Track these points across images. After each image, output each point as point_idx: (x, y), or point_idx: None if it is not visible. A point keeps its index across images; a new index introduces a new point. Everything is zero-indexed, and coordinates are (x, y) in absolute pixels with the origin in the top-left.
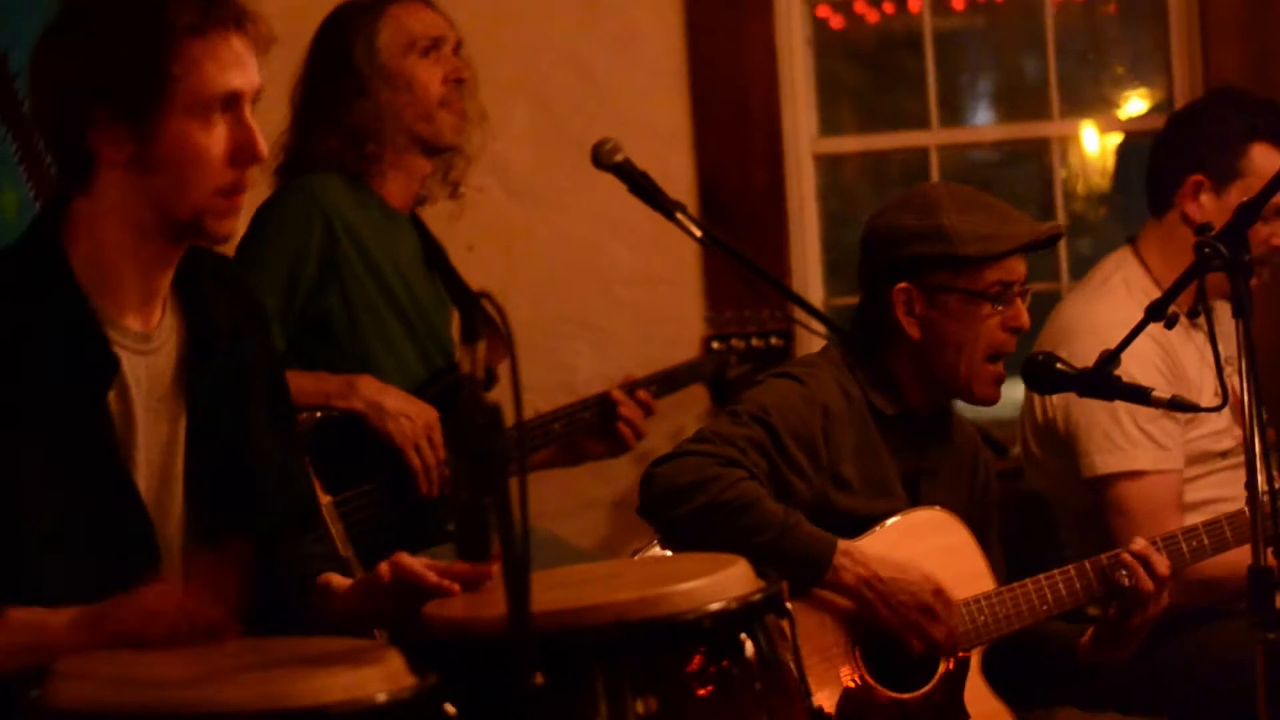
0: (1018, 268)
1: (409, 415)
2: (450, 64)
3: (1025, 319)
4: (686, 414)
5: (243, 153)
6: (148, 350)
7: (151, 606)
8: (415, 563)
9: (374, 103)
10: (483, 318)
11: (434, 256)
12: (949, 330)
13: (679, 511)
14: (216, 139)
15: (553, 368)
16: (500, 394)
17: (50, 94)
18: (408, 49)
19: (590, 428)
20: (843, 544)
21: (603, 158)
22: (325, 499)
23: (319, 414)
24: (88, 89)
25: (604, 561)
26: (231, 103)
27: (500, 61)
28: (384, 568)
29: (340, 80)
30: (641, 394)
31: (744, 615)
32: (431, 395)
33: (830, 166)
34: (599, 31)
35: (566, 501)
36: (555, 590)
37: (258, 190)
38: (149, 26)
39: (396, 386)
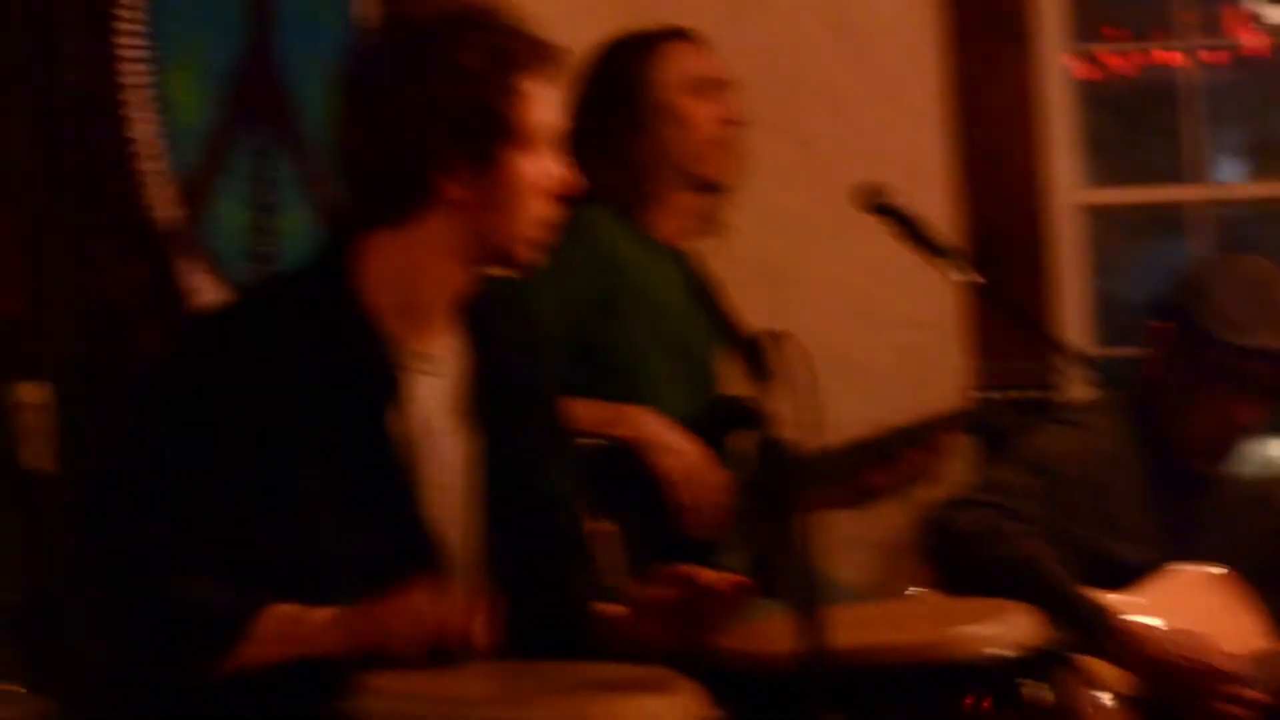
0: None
1: (681, 451)
2: (723, 105)
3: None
4: (951, 460)
5: (561, 186)
6: (434, 372)
7: (411, 612)
8: (687, 567)
9: (651, 139)
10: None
11: (700, 291)
12: (1199, 397)
13: (962, 562)
14: (542, 174)
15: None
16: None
17: (395, 134)
18: (685, 87)
19: (886, 459)
20: (1118, 620)
21: (870, 200)
22: (612, 527)
23: (594, 441)
24: (441, 131)
25: (888, 601)
26: (551, 139)
27: (761, 101)
28: (664, 587)
29: (618, 114)
30: (934, 436)
31: (1030, 663)
32: (701, 429)
33: (1088, 216)
34: (859, 74)
35: (833, 540)
36: (843, 628)
37: None
38: (500, 66)
39: (667, 418)
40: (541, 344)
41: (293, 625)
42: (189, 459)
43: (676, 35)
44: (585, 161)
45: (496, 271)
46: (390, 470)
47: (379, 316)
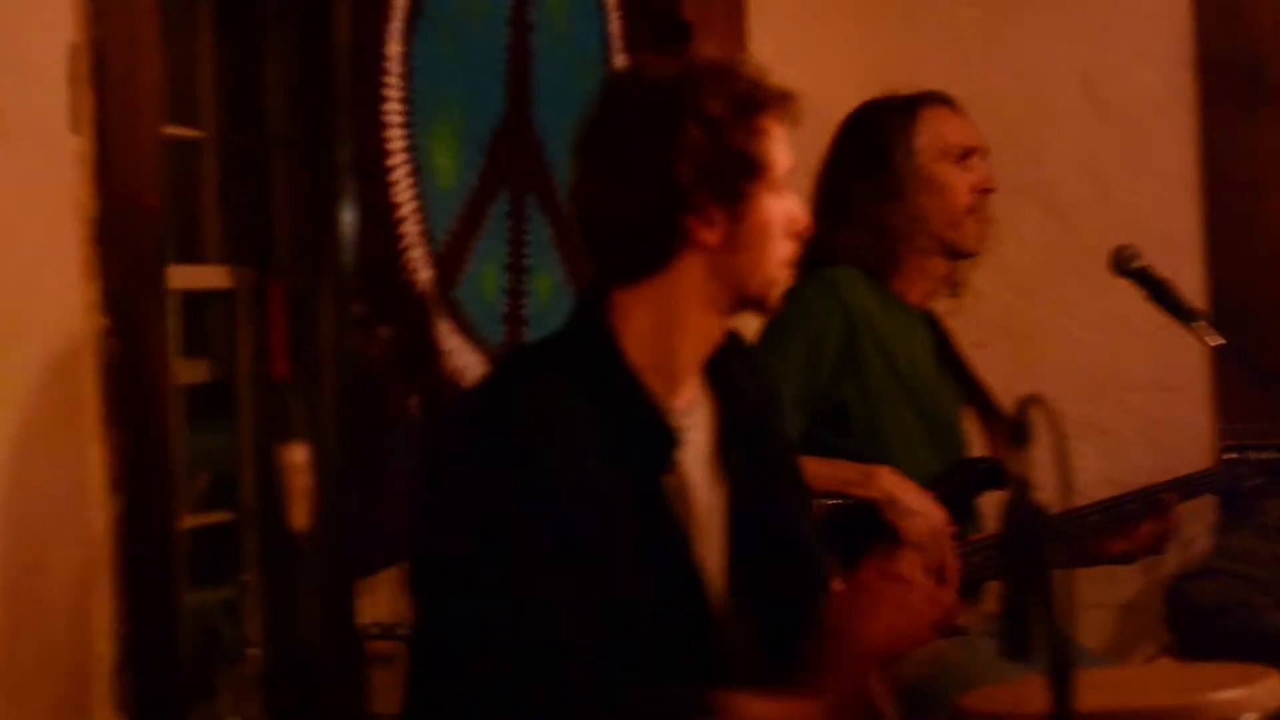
0: None
1: (923, 513)
2: (980, 173)
3: None
4: (1195, 524)
5: (797, 225)
6: (691, 425)
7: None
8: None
9: (907, 205)
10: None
11: (947, 353)
12: None
13: (1206, 633)
14: (786, 212)
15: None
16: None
17: (646, 183)
18: (943, 155)
19: (1129, 521)
20: None
21: (1123, 264)
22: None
23: (835, 501)
24: (694, 176)
25: (1132, 666)
26: (789, 178)
27: (1011, 165)
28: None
29: (874, 179)
30: (1175, 499)
31: None
32: (945, 491)
33: None
34: (1110, 138)
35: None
36: (1091, 691)
37: None
38: (746, 106)
39: (910, 479)
40: (775, 399)
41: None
42: (510, 544)
43: (935, 100)
44: (836, 222)
45: (750, 314)
46: (671, 529)
47: (642, 375)
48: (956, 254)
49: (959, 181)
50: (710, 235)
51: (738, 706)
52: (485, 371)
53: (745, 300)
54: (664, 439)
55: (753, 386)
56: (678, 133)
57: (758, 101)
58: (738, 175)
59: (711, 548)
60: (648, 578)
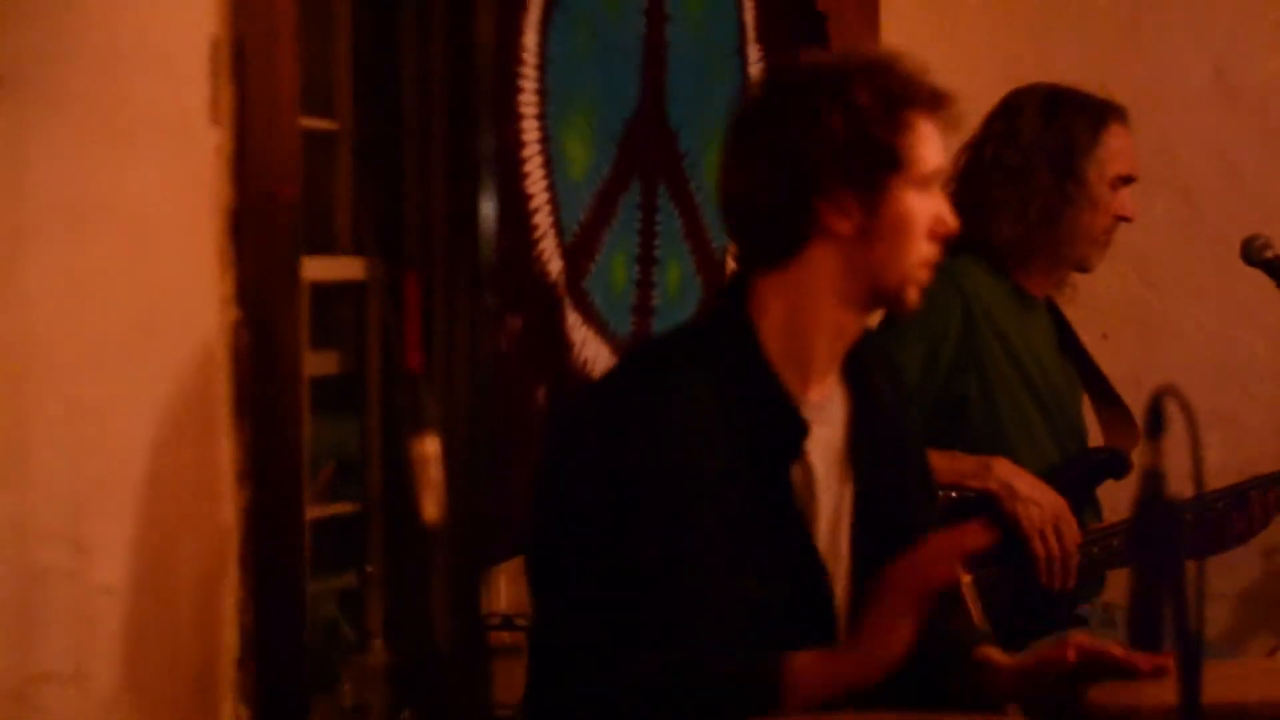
0: None
1: (1039, 503)
2: (1128, 203)
3: None
4: None
5: (942, 226)
6: (823, 420)
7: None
8: (1101, 642)
9: (1073, 216)
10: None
11: (1068, 342)
12: None
13: None
14: (927, 211)
15: (1183, 458)
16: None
17: (784, 166)
18: (1115, 178)
19: (1249, 504)
20: None
21: (1254, 253)
22: (966, 577)
23: (954, 494)
24: (829, 160)
25: (1258, 658)
26: (936, 178)
27: (1142, 154)
28: (1070, 651)
29: (1056, 179)
30: None
31: None
32: (1065, 481)
33: None
34: (1242, 125)
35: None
36: (1217, 683)
37: None
38: (894, 100)
39: (1030, 470)
40: (906, 390)
41: (819, 676)
42: (637, 534)
43: (1119, 115)
44: (993, 210)
45: (888, 311)
46: (793, 523)
47: (776, 366)
48: (1079, 269)
49: (1114, 205)
50: (843, 224)
51: (799, 671)
52: (616, 361)
53: (881, 297)
54: (793, 428)
55: (889, 385)
56: (820, 118)
57: (907, 97)
58: (875, 165)
59: (838, 543)
60: (769, 567)
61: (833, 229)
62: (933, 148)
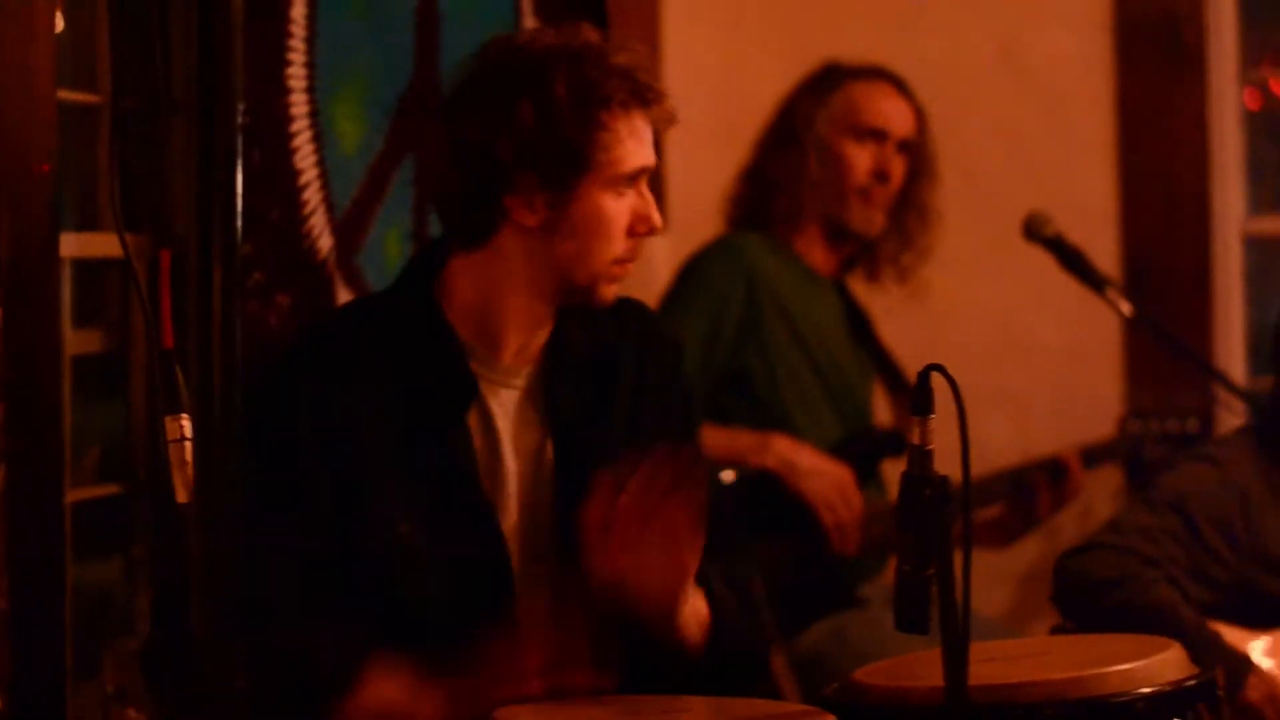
0: None
1: (822, 473)
2: (882, 158)
3: None
4: (1097, 493)
5: (642, 224)
6: (506, 384)
7: (508, 672)
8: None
9: (811, 171)
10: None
11: (859, 324)
12: None
13: (1093, 608)
14: (623, 210)
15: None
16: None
17: (474, 154)
18: (846, 128)
19: (1030, 491)
20: (1257, 664)
21: (1035, 230)
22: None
23: (734, 472)
24: (515, 155)
25: (1030, 638)
26: (637, 177)
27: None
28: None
29: (785, 142)
30: (1077, 468)
31: (1177, 700)
32: (845, 457)
33: (1255, 248)
34: (1029, 102)
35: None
36: (987, 664)
37: None
38: (585, 99)
39: (806, 442)
40: (665, 354)
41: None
42: (287, 483)
43: (871, 75)
44: (757, 187)
45: (577, 305)
46: (465, 480)
47: (462, 335)
48: (840, 233)
49: (855, 159)
50: (528, 216)
51: (379, 680)
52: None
53: (571, 291)
54: (464, 384)
55: (635, 357)
56: (512, 111)
57: (605, 93)
58: (563, 165)
59: (535, 493)
60: (434, 515)
61: (520, 221)
62: (631, 146)
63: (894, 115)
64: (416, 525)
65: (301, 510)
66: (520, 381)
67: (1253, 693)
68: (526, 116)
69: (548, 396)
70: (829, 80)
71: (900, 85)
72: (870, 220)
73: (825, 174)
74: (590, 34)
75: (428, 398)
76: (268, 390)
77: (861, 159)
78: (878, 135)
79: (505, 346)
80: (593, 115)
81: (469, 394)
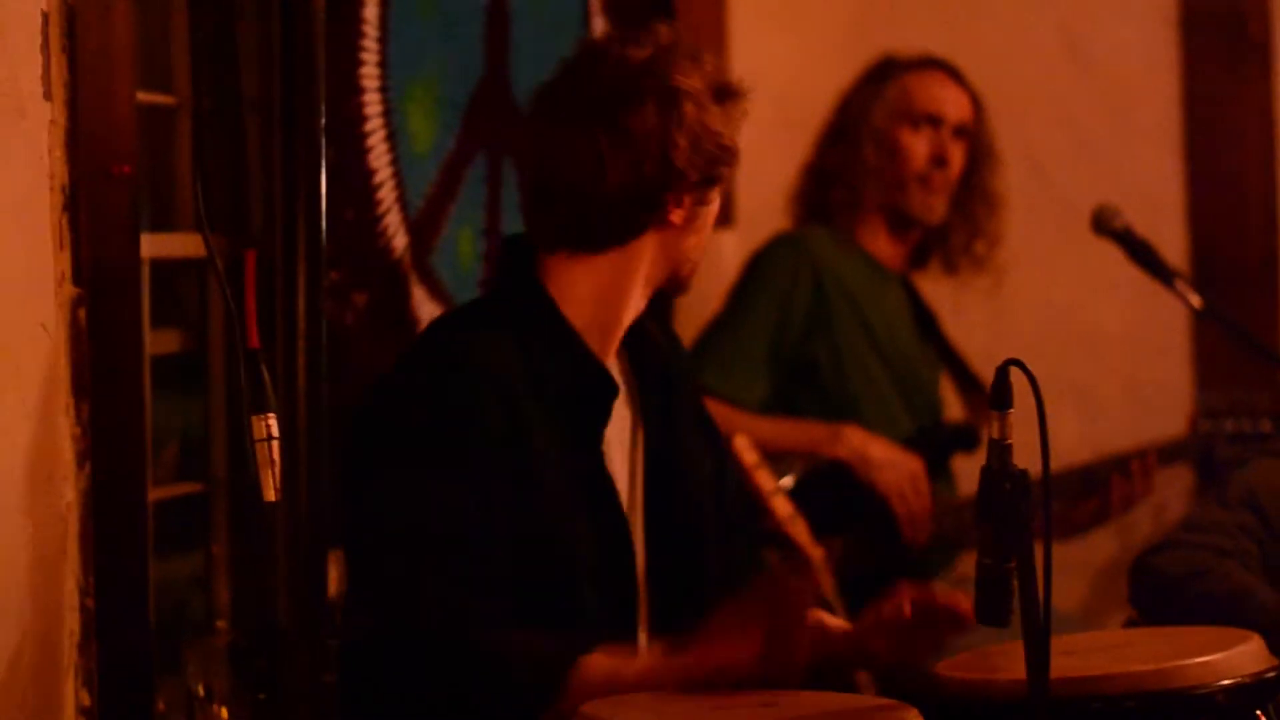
0: None
1: (894, 464)
2: (938, 143)
3: None
4: (1169, 490)
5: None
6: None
7: (731, 658)
8: (927, 588)
9: (855, 156)
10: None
11: (925, 320)
12: None
13: (1172, 605)
14: (718, 202)
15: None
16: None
17: (647, 154)
18: (901, 116)
19: (1101, 486)
20: None
21: (1103, 223)
22: (817, 552)
23: (792, 478)
24: (688, 153)
25: (1108, 631)
26: None
27: (994, 124)
28: (904, 604)
29: (844, 134)
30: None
31: (1259, 692)
32: (921, 451)
33: None
34: (1094, 96)
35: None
36: (1066, 657)
37: None
38: (722, 94)
39: (877, 434)
40: (677, 346)
41: (610, 680)
42: (462, 499)
43: (928, 65)
44: (818, 183)
45: (674, 293)
46: (604, 482)
47: (583, 336)
48: (906, 220)
49: (911, 146)
50: (678, 215)
51: (596, 669)
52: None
53: (675, 280)
54: (607, 391)
55: (663, 345)
56: (679, 108)
57: (730, 89)
58: (719, 162)
59: (634, 499)
60: (583, 527)
61: (670, 220)
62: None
63: (948, 101)
64: (579, 529)
65: (491, 516)
66: (620, 380)
67: None
68: (690, 114)
69: (641, 396)
70: (884, 73)
71: (954, 73)
72: (930, 206)
73: (884, 163)
74: (678, 36)
75: (574, 403)
76: (426, 401)
77: (918, 145)
78: (933, 121)
79: (611, 342)
80: (731, 110)
81: (610, 396)
